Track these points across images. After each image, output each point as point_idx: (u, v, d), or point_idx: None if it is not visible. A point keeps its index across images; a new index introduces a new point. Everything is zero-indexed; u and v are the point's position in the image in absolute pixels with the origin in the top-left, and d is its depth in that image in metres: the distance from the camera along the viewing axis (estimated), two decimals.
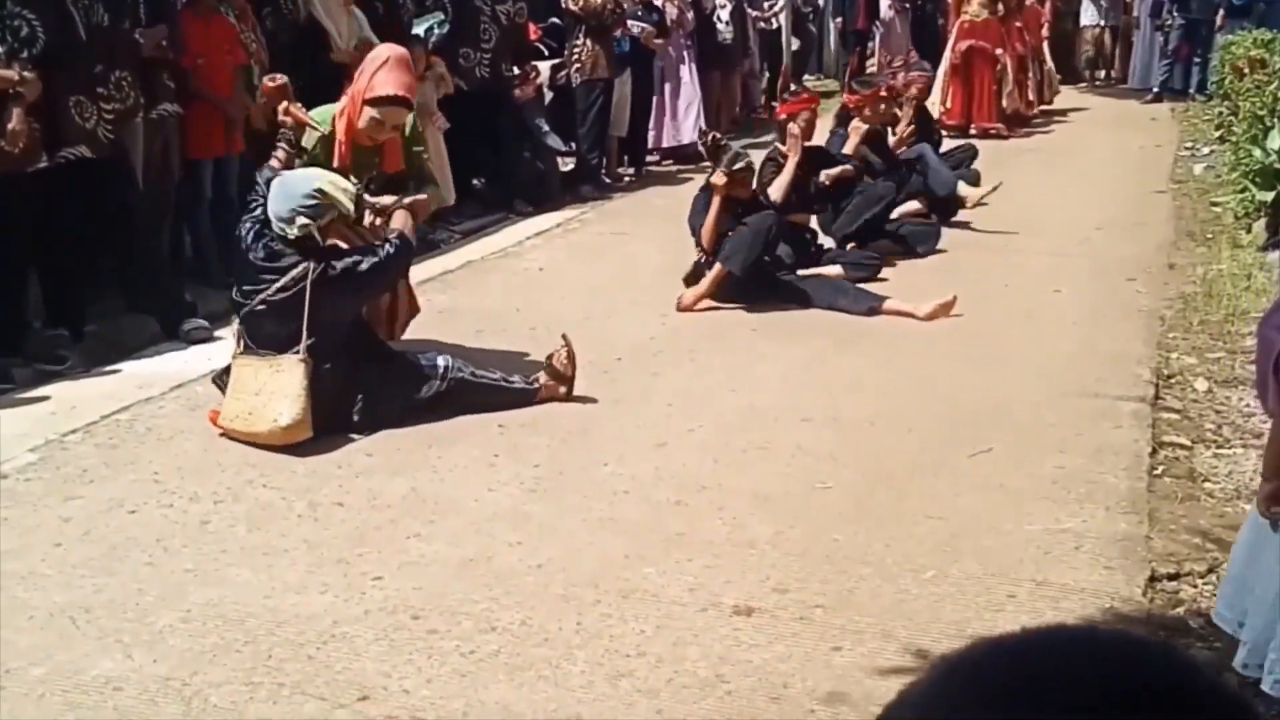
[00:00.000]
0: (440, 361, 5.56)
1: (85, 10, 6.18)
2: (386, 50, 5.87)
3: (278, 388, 5.10)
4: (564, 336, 5.77)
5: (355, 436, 5.25)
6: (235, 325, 5.44)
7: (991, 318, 7.00)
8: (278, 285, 5.15)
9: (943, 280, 7.73)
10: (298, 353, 5.15)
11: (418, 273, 7.75)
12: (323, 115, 5.72)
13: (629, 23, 10.87)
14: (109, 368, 6.09)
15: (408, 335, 6.23)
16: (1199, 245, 8.50)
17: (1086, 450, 5.10)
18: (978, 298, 7.36)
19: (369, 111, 5.61)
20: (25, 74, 5.71)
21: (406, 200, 5.70)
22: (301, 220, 5.10)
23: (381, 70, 5.63)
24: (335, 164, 5.58)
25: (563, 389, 5.69)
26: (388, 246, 5.37)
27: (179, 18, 7.09)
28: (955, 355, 6.35)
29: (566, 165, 10.79)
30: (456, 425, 5.42)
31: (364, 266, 5.27)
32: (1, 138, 5.66)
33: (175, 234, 7.49)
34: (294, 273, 5.15)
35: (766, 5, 14.13)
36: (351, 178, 5.49)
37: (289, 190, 5.16)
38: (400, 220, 5.59)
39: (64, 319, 6.31)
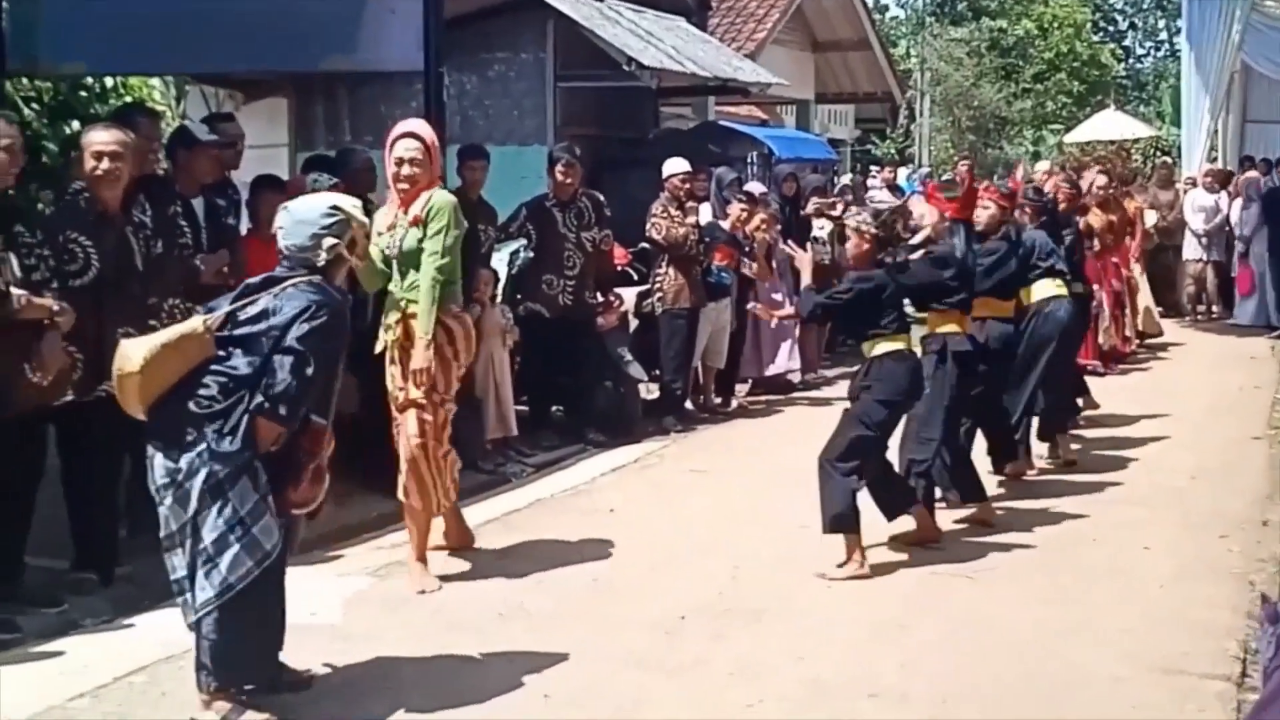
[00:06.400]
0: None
1: (145, 240, 6.06)
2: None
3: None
4: None
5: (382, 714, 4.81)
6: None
7: (1078, 576, 6.68)
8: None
9: (1029, 532, 7.36)
10: None
11: (482, 511, 7.53)
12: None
13: (743, 261, 10.69)
14: (131, 619, 5.75)
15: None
16: None
17: None
18: (1066, 552, 7.05)
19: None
20: (61, 304, 5.55)
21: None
22: (329, 241, 4.77)
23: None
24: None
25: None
26: None
27: (241, 243, 6.99)
28: (1038, 619, 6.00)
29: (651, 393, 10.48)
30: (498, 693, 5.03)
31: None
32: (37, 370, 5.49)
33: None
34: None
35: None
36: None
37: (301, 216, 4.84)
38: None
39: (93, 561, 6.01)
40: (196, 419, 4.52)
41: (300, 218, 4.83)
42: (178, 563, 4.60)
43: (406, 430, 6.28)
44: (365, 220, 5.02)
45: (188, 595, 4.60)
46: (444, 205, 6.29)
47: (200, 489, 4.51)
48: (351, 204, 4.97)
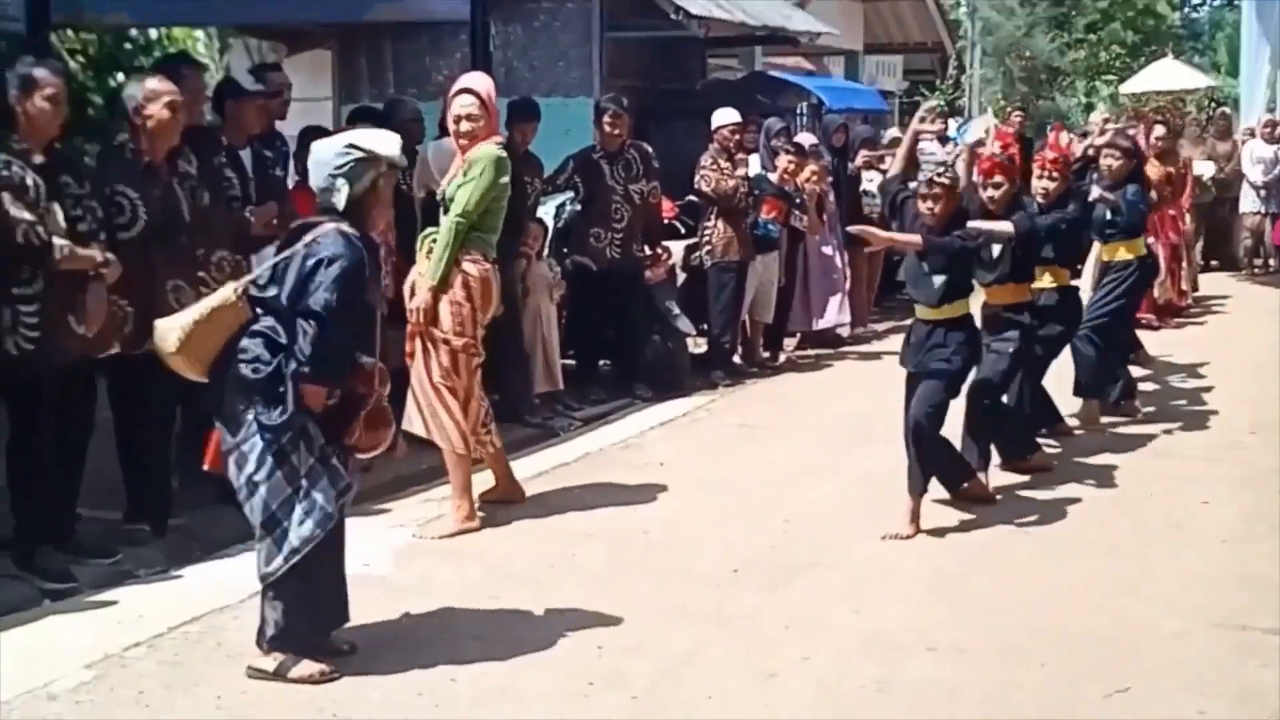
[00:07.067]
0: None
1: (192, 191, 6.01)
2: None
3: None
4: None
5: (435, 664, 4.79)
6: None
7: (1135, 530, 6.60)
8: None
9: (1086, 487, 7.26)
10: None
11: (531, 465, 7.51)
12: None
13: (794, 214, 10.56)
14: (183, 569, 5.74)
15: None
16: None
17: (1229, 692, 4.70)
18: (1124, 506, 6.97)
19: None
20: (107, 255, 5.51)
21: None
22: (340, 183, 4.56)
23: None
24: None
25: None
26: None
27: (290, 195, 6.92)
28: (1096, 574, 5.93)
29: (699, 347, 10.40)
30: (551, 644, 5.01)
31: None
32: (82, 321, 5.46)
33: None
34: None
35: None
36: None
37: (320, 157, 4.66)
38: None
39: (146, 512, 6.00)
40: (246, 387, 4.46)
41: (319, 158, 4.68)
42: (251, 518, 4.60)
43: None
44: (397, 158, 4.76)
45: (262, 545, 4.57)
46: (481, 157, 6.32)
47: (257, 456, 4.47)
48: (375, 140, 4.72)
